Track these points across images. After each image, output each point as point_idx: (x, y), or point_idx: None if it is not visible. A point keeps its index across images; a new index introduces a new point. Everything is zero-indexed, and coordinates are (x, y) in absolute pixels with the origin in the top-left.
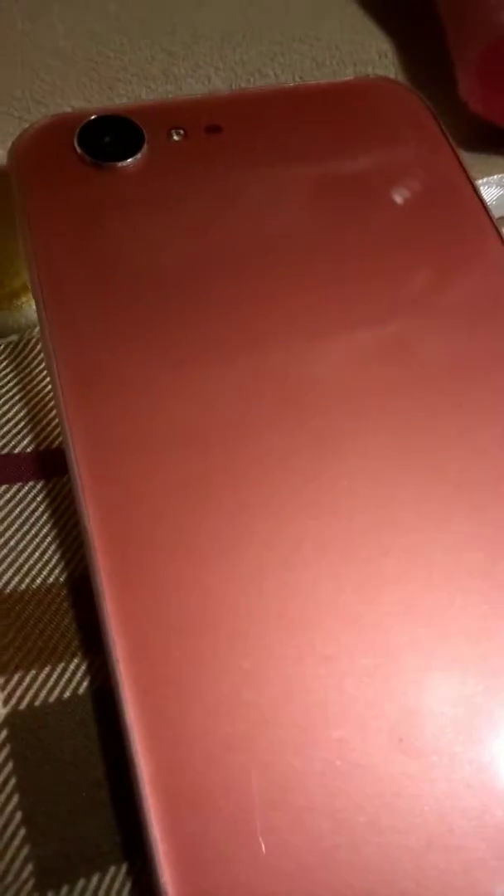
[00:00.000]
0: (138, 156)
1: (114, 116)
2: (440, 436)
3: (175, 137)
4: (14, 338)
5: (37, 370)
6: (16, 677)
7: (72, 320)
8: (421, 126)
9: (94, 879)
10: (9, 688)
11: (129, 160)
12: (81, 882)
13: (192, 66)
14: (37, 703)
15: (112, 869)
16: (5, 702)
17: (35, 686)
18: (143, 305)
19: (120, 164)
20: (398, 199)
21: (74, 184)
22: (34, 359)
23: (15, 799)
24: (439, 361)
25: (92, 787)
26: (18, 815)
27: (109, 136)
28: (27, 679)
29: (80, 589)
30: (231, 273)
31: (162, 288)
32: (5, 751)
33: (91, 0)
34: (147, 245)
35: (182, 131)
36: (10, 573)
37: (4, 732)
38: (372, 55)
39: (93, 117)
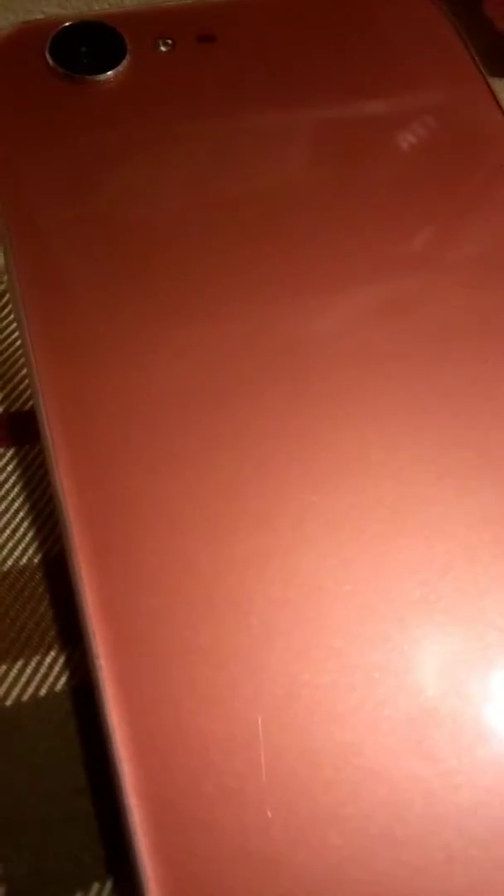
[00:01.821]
0: (119, 68)
1: (91, 23)
2: (460, 402)
3: (162, 48)
4: None
5: (6, 321)
6: None
7: (44, 265)
8: (442, 41)
9: None
10: None
11: (108, 73)
12: None
13: None
14: (8, 702)
15: (95, 886)
16: None
17: (7, 682)
18: (125, 247)
19: (98, 77)
20: (415, 125)
21: (46, 100)
22: (2, 309)
23: None
24: (461, 315)
25: (71, 796)
26: None
27: (87, 46)
28: None
29: (58, 570)
30: (225, 209)
31: (147, 225)
32: None
33: None
34: (129, 174)
35: (170, 41)
36: None
37: None
38: None
39: (67, 24)
